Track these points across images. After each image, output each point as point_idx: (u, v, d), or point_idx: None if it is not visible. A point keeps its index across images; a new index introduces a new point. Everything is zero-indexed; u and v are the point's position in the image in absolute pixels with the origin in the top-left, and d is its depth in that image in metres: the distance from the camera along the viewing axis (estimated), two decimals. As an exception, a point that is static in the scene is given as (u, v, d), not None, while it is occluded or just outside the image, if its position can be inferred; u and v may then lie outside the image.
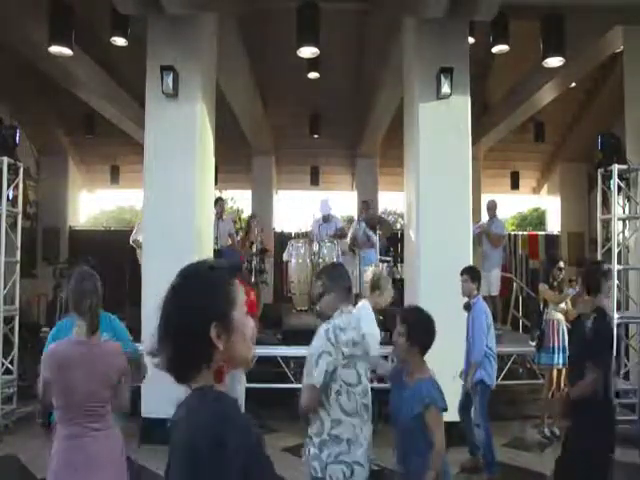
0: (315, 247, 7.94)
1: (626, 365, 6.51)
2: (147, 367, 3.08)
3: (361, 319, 3.16)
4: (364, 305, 4.00)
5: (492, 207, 8.38)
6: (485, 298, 7.91)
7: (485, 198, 9.98)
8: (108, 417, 2.69)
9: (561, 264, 6.03)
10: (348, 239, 8.50)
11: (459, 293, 4.99)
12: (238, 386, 4.43)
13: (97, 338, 2.73)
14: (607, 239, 6.82)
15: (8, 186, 6.15)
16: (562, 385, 5.68)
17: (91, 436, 2.59)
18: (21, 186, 6.57)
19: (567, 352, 5.54)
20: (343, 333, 2.66)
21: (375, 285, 4.11)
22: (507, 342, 7.54)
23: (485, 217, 8.79)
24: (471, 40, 6.50)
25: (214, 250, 6.86)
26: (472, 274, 4.89)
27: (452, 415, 5.04)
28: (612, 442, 3.32)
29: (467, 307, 4.85)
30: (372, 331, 3.65)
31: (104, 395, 2.65)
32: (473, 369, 4.76)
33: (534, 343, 6.16)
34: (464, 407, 5.00)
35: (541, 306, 6.12)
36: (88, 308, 2.68)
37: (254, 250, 8.44)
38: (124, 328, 3.45)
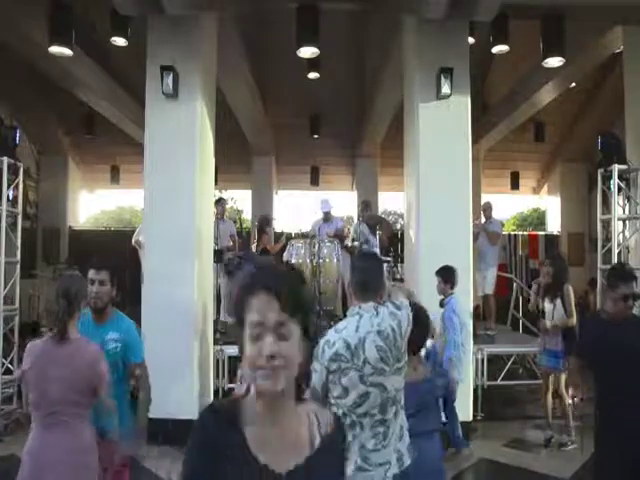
0: (315, 247, 7.92)
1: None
2: (148, 380, 3.03)
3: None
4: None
5: (488, 208, 8.37)
6: (483, 297, 8.03)
7: (485, 198, 9.99)
8: (70, 433, 2.56)
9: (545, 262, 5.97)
10: (348, 241, 8.49)
11: (458, 293, 5.03)
12: None
13: (70, 339, 2.64)
14: (607, 239, 6.82)
15: (8, 186, 6.14)
16: (563, 389, 5.64)
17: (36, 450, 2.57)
18: (21, 186, 6.56)
19: (554, 355, 5.55)
20: (329, 348, 2.40)
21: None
22: (507, 342, 7.55)
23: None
24: (471, 40, 6.50)
25: (214, 250, 6.86)
26: (444, 276, 4.97)
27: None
28: None
29: (442, 304, 4.95)
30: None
31: (67, 399, 2.55)
32: (452, 364, 4.79)
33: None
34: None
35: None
36: (56, 311, 2.65)
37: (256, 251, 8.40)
38: (138, 336, 3.22)
